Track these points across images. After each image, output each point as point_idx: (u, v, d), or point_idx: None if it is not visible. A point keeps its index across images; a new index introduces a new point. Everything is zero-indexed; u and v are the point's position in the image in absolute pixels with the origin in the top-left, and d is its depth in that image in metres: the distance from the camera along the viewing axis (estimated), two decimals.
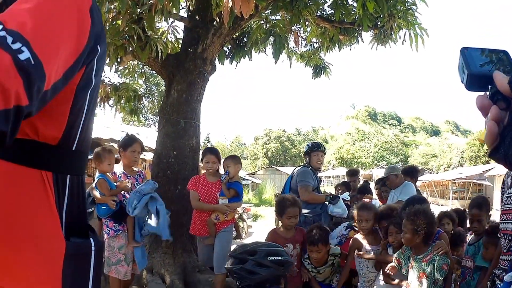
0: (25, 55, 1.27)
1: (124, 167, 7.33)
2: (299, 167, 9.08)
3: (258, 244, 6.11)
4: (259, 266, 5.64)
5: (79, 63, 1.57)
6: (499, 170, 38.19)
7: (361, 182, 13.19)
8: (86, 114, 1.77)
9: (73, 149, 1.73)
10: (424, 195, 49.43)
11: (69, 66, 1.50)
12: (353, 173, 12.53)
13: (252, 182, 55.65)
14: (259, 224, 25.80)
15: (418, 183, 11.58)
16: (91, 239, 1.77)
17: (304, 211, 8.03)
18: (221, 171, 8.20)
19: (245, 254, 5.79)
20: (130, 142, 7.34)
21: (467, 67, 1.09)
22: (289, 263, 5.96)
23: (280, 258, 5.76)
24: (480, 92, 1.10)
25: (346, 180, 12.02)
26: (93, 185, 7.03)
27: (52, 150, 1.65)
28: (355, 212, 6.96)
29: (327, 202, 8.42)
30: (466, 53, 1.12)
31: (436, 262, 5.42)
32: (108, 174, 7.09)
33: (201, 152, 8.64)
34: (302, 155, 9.72)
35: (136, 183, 7.26)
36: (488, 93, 1.07)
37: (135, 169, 7.56)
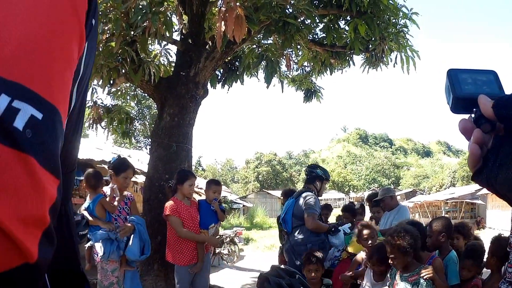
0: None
1: (113, 190, 7.13)
2: (305, 192, 8.51)
3: (298, 273, 6.35)
4: (290, 287, 5.79)
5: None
6: None
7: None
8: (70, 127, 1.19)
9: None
10: (416, 216, 49.47)
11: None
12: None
13: (244, 205, 55.44)
14: (251, 248, 25.73)
15: (410, 204, 11.59)
16: None
17: (310, 239, 8.07)
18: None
19: (286, 273, 6.01)
20: (123, 168, 7.22)
21: (452, 90, 1.09)
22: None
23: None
24: (465, 114, 1.10)
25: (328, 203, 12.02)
26: (85, 206, 6.97)
27: None
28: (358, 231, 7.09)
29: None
30: (452, 74, 1.10)
31: (420, 286, 5.43)
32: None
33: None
34: (307, 177, 8.90)
35: (125, 206, 7.26)
36: (472, 116, 1.07)
37: (124, 192, 7.43)
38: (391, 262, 5.72)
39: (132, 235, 6.92)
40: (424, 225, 6.96)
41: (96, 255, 6.94)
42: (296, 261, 7.79)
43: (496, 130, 1.03)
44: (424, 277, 5.44)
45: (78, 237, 1.42)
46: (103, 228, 6.85)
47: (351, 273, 7.16)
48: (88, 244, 7.16)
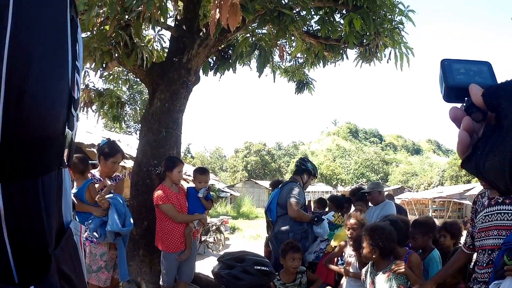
0: None
1: (101, 174, 7.15)
2: (289, 183, 8.80)
3: (246, 253, 6.28)
4: (246, 273, 5.80)
5: None
6: (480, 189, 38.41)
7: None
8: (10, 70, 1.01)
9: None
10: None
11: None
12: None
13: (231, 194, 55.57)
14: (236, 237, 25.79)
15: (397, 201, 11.67)
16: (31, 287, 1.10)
17: (293, 228, 8.13)
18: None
19: (234, 260, 5.93)
20: (112, 152, 7.15)
21: (445, 79, 1.11)
22: (273, 275, 6.11)
23: (266, 268, 5.88)
24: (457, 103, 1.12)
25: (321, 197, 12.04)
26: (73, 192, 6.74)
27: None
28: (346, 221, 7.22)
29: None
30: (445, 64, 1.13)
31: (393, 281, 5.49)
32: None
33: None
34: (296, 169, 9.18)
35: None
36: (463, 105, 1.09)
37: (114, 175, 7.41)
38: (362, 254, 5.82)
39: (109, 210, 6.82)
40: (408, 222, 7.00)
41: (84, 239, 6.73)
42: (279, 249, 7.86)
43: (487, 120, 1.05)
44: (396, 272, 5.50)
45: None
46: (92, 216, 6.77)
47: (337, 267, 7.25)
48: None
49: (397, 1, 10.00)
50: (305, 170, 8.95)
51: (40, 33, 1.11)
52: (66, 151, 1.30)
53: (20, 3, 1.04)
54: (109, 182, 7.07)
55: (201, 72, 10.24)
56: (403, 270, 5.47)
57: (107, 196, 6.86)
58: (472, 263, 5.60)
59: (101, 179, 7.07)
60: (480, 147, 1.03)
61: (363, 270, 6.07)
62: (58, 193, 1.29)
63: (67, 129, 1.26)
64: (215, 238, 19.88)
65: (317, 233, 8.32)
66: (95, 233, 6.72)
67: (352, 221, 7.02)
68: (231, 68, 11.34)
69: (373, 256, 5.65)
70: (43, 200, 1.15)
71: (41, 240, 1.16)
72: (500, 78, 1.10)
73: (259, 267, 5.88)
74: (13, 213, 1.07)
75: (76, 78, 1.33)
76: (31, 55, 1.06)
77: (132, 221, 7.09)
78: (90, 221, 6.73)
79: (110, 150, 7.17)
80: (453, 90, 1.11)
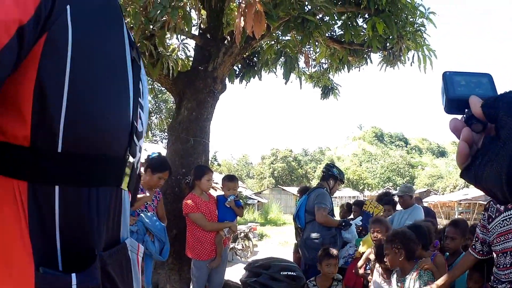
0: None
1: (143, 185, 6.98)
2: (316, 189, 8.81)
3: (272, 259, 6.28)
4: (273, 279, 5.78)
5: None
6: None
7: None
8: (72, 96, 1.23)
9: (59, 150, 1.23)
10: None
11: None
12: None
13: (258, 201, 55.43)
14: (265, 244, 25.78)
15: (424, 204, 11.58)
16: (72, 274, 1.23)
17: (322, 234, 8.14)
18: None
19: (260, 268, 5.91)
20: (162, 168, 6.99)
21: (446, 91, 1.13)
22: (301, 279, 6.08)
23: (293, 273, 5.87)
24: (458, 115, 1.14)
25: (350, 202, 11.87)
26: None
27: (24, 153, 1.20)
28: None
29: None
30: (447, 77, 1.15)
31: (421, 279, 5.50)
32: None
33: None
34: (323, 174, 9.11)
35: (152, 202, 7.14)
36: (463, 116, 1.11)
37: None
38: (385, 260, 5.82)
39: (152, 235, 6.73)
40: (436, 226, 6.97)
41: None
42: (309, 255, 7.85)
43: (487, 130, 1.07)
44: (424, 268, 5.53)
45: None
46: None
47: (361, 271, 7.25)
48: None
49: (418, 4, 10.00)
50: (331, 175, 8.92)
51: (98, 67, 1.33)
52: (127, 178, 1.54)
53: (79, 43, 1.24)
54: (147, 194, 6.97)
55: (227, 80, 10.28)
56: (430, 266, 5.51)
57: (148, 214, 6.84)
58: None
59: (143, 189, 6.95)
60: (479, 157, 1.04)
61: (392, 275, 6.07)
62: (118, 210, 1.53)
63: (128, 155, 1.51)
64: (244, 245, 19.89)
65: (345, 238, 8.33)
66: None
67: (377, 228, 7.03)
68: (256, 76, 11.36)
69: (400, 260, 5.66)
70: (96, 208, 1.36)
71: (88, 240, 1.34)
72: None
73: (285, 273, 5.87)
74: (65, 212, 1.27)
75: (139, 113, 1.59)
76: (87, 84, 1.28)
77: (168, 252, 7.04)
78: None
79: (160, 165, 7.03)
80: (453, 102, 1.13)
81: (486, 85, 1.15)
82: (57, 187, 1.25)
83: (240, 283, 6.78)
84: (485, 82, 1.16)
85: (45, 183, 1.24)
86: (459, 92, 1.13)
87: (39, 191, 1.22)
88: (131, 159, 1.53)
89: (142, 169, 7.12)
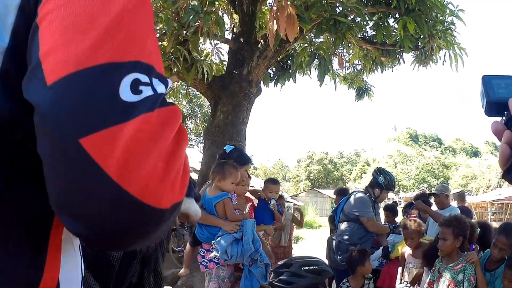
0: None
1: (236, 192, 6.34)
2: (358, 193, 8.39)
3: (293, 257, 6.33)
4: (295, 276, 5.78)
5: None
6: None
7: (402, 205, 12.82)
8: None
9: None
10: None
11: None
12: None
13: (294, 204, 55.18)
14: (300, 246, 25.74)
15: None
16: None
17: (353, 234, 8.02)
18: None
19: (282, 267, 5.95)
20: (245, 160, 6.50)
21: (486, 95, 1.16)
22: (326, 272, 6.09)
23: (315, 267, 5.88)
24: (498, 117, 1.16)
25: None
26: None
27: None
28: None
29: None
30: (486, 80, 1.18)
31: (466, 272, 5.51)
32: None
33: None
34: (370, 181, 8.46)
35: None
36: (503, 118, 1.14)
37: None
38: (440, 246, 5.80)
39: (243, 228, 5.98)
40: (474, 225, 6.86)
41: (206, 261, 6.00)
42: (339, 256, 7.83)
43: None
44: (470, 262, 5.53)
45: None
46: (221, 231, 5.84)
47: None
48: (188, 247, 6.59)
49: (447, 2, 10.01)
50: (375, 183, 8.26)
51: None
52: None
53: None
54: (247, 208, 6.31)
55: (262, 83, 10.34)
56: (475, 259, 5.53)
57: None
58: None
59: (237, 198, 6.30)
60: None
61: (436, 263, 6.06)
62: None
63: None
64: None
65: (390, 241, 8.25)
66: (224, 254, 5.78)
67: (409, 231, 7.01)
68: (291, 78, 11.42)
69: (456, 246, 5.67)
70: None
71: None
72: None
73: (307, 268, 5.87)
74: None
75: None
76: None
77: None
78: (219, 238, 5.81)
79: (242, 157, 6.49)
80: (493, 105, 1.16)
81: None
82: None
83: None
84: None
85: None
86: (499, 95, 1.16)
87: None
88: None
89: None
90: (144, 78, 0.90)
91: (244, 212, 6.08)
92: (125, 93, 0.86)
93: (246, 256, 5.91)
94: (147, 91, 0.89)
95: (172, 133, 0.91)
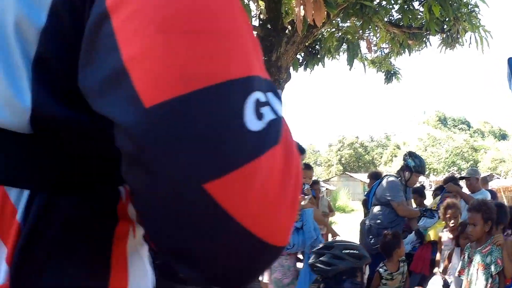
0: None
1: None
2: (387, 176, 8.45)
3: (335, 240, 6.41)
4: (336, 258, 5.83)
5: None
6: None
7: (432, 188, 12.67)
8: None
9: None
10: None
11: None
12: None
13: (327, 189, 54.97)
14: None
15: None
16: None
17: (385, 218, 8.00)
18: None
19: (323, 249, 6.00)
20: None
21: None
22: (366, 257, 6.15)
23: (356, 251, 5.95)
24: None
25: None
26: None
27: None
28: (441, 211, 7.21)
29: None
30: None
31: (492, 254, 5.57)
32: None
33: None
34: (403, 163, 8.39)
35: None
36: None
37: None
38: (470, 231, 5.87)
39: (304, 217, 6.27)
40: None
41: None
42: (371, 239, 7.87)
43: None
44: (497, 244, 5.58)
45: None
46: None
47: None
48: None
49: None
50: (406, 166, 8.27)
51: None
52: None
53: None
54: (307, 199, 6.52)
55: (291, 69, 10.44)
56: (502, 241, 5.59)
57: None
58: None
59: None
60: None
61: (465, 250, 6.13)
62: None
63: None
64: None
65: (421, 226, 8.25)
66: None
67: (451, 210, 7.05)
68: (320, 63, 11.50)
69: (486, 231, 5.72)
70: None
71: None
72: None
73: (347, 251, 5.92)
74: None
75: None
76: None
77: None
78: None
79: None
80: None
81: None
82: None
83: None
84: None
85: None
86: None
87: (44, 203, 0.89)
88: None
89: None
90: (261, 96, 0.74)
91: (302, 203, 6.20)
92: (250, 120, 0.69)
93: (307, 244, 6.19)
94: (268, 114, 0.72)
95: (297, 167, 0.80)
